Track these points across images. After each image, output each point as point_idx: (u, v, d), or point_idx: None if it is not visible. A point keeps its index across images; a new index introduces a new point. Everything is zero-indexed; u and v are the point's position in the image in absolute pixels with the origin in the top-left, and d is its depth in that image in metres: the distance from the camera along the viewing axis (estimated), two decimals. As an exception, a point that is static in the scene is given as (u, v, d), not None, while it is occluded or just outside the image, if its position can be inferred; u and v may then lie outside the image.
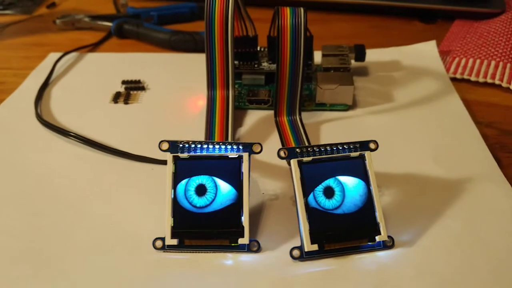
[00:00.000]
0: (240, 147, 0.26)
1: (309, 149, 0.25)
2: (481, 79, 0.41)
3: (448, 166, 0.31)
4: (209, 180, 0.25)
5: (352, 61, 0.41)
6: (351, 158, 0.26)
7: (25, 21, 0.56)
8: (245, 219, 0.25)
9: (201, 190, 0.25)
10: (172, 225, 0.25)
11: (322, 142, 0.34)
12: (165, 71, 0.44)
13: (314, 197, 0.25)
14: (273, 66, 0.39)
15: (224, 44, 0.33)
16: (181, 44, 0.47)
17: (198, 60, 0.42)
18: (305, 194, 0.25)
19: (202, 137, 0.33)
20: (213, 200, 0.25)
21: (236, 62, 0.40)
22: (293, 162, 0.25)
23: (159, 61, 0.46)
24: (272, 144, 0.33)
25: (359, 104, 0.38)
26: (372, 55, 0.43)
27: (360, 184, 0.25)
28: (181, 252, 0.25)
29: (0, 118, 0.37)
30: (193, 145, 0.26)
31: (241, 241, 0.25)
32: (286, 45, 0.33)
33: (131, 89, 0.40)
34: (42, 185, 0.30)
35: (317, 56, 0.41)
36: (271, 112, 0.36)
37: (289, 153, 0.25)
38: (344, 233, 0.25)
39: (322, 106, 0.37)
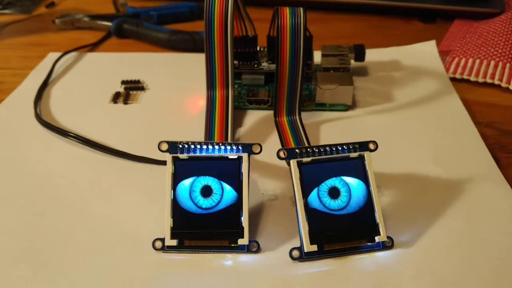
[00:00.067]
0: (240, 147, 0.26)
1: (308, 149, 0.25)
2: (480, 79, 0.41)
3: (447, 166, 0.31)
4: (214, 181, 0.25)
5: (352, 61, 0.41)
6: (351, 159, 0.26)
7: (24, 21, 0.56)
8: (244, 220, 0.25)
9: (206, 191, 0.25)
10: (172, 225, 0.25)
11: (322, 142, 0.34)
12: (164, 71, 0.44)
13: (319, 198, 0.25)
14: (273, 66, 0.39)
15: (224, 44, 0.33)
16: (180, 43, 0.47)
17: (198, 60, 0.42)
18: (305, 195, 0.25)
19: (201, 137, 0.33)
20: (219, 201, 0.25)
21: (235, 62, 0.40)
22: (293, 162, 0.25)
23: (158, 61, 0.46)
24: (271, 145, 0.33)
25: (358, 104, 0.38)
26: (372, 55, 0.43)
27: (360, 185, 0.25)
28: (181, 252, 0.25)
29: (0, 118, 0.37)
30: (192, 146, 0.26)
31: (240, 241, 0.25)
32: (285, 45, 0.33)
33: (131, 89, 0.40)
34: (42, 185, 0.30)
35: (317, 56, 0.41)
36: (271, 112, 0.36)
37: (289, 154, 0.25)
38: (343, 234, 0.25)
39: (322, 106, 0.37)
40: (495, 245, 0.25)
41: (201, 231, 0.25)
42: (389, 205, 0.28)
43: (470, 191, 0.29)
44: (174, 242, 0.24)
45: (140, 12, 0.54)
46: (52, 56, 0.46)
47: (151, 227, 0.26)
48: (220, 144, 0.26)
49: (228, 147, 0.26)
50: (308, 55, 0.40)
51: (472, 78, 0.41)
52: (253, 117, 0.37)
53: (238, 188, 0.25)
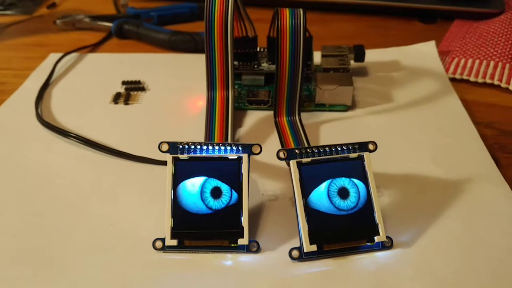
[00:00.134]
0: (240, 148, 0.26)
1: (308, 150, 0.26)
2: (480, 80, 0.41)
3: (447, 166, 0.31)
4: (218, 182, 0.25)
5: (352, 62, 0.41)
6: (350, 159, 0.26)
7: (25, 22, 0.57)
8: (244, 220, 0.25)
9: (216, 192, 0.25)
10: (172, 225, 0.25)
11: (322, 143, 0.34)
12: (165, 72, 0.44)
13: (329, 197, 0.25)
14: (273, 67, 0.39)
15: (224, 45, 0.33)
16: (181, 44, 0.47)
17: (198, 61, 0.43)
18: (304, 195, 0.25)
19: (201, 138, 0.33)
20: (228, 203, 0.25)
21: (235, 62, 0.40)
22: (292, 163, 0.25)
23: (159, 62, 0.46)
24: (271, 145, 0.33)
25: (358, 104, 0.38)
26: (372, 55, 0.43)
27: (360, 185, 0.25)
28: (181, 252, 0.25)
29: (1, 118, 0.37)
30: (192, 146, 0.26)
31: (240, 241, 0.25)
32: (285, 46, 0.33)
33: (131, 89, 0.41)
34: (42, 185, 0.30)
35: (317, 57, 0.41)
36: (271, 113, 0.36)
37: (289, 154, 0.25)
38: (343, 234, 0.25)
39: (322, 107, 0.37)
40: (494, 246, 0.25)
41: (201, 231, 0.25)
42: (389, 205, 0.28)
43: (469, 191, 0.29)
44: (174, 242, 0.25)
45: (141, 13, 0.54)
46: (53, 56, 0.46)
47: (151, 227, 0.26)
48: (220, 144, 0.26)
49: (228, 148, 0.26)
50: (308, 56, 0.40)
51: (472, 79, 0.41)
52: (253, 117, 0.37)
53: (238, 188, 0.25)
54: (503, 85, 0.40)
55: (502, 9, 0.51)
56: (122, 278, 0.24)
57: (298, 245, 0.25)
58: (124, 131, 0.35)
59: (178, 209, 0.25)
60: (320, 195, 0.25)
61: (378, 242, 0.25)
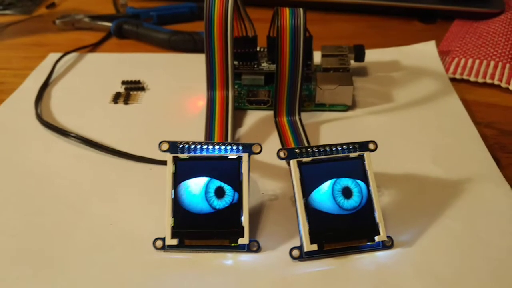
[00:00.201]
0: (240, 147, 0.26)
1: (308, 149, 0.25)
2: (480, 79, 0.41)
3: (447, 166, 0.31)
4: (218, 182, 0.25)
5: (352, 62, 0.41)
6: (351, 159, 0.26)
7: (25, 21, 0.56)
8: (245, 219, 0.25)
9: (220, 192, 0.25)
10: (172, 225, 0.25)
11: (322, 143, 0.34)
12: (164, 71, 0.44)
13: (333, 197, 0.25)
14: (273, 67, 0.39)
15: (224, 45, 0.33)
16: (180, 44, 0.47)
17: (198, 60, 0.43)
18: (305, 194, 0.25)
19: (201, 138, 0.33)
20: (231, 202, 0.25)
21: (235, 62, 0.40)
22: (293, 162, 0.25)
23: (158, 61, 0.46)
24: (271, 145, 0.33)
25: (358, 104, 0.38)
26: (372, 55, 0.43)
27: (360, 184, 0.25)
28: (181, 252, 0.25)
29: (0, 118, 0.37)
30: (192, 146, 0.26)
31: (241, 241, 0.25)
32: (285, 45, 0.33)
33: (131, 89, 0.41)
34: (42, 185, 0.30)
35: (317, 57, 0.41)
36: (271, 113, 0.36)
37: (289, 154, 0.25)
38: (343, 233, 0.25)
39: (322, 107, 0.37)
40: (495, 245, 0.25)
41: (201, 230, 0.25)
42: (389, 205, 0.28)
43: (470, 191, 0.29)
44: (174, 242, 0.25)
45: (140, 12, 0.54)
46: (53, 56, 0.46)
47: (151, 227, 0.26)
48: (220, 144, 0.26)
49: (228, 147, 0.26)
50: (308, 56, 0.40)
51: (472, 78, 0.41)
52: (253, 117, 0.37)
53: (238, 187, 0.25)
54: (503, 85, 0.40)
55: (502, 9, 0.51)
56: (122, 277, 0.24)
57: (298, 244, 0.25)
58: (124, 131, 0.35)
59: (178, 209, 0.25)
60: (323, 195, 0.25)
61: (379, 241, 0.25)
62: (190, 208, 0.25)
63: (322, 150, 0.26)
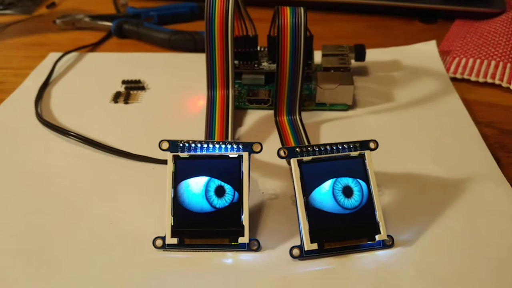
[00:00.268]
0: (240, 146, 0.26)
1: (309, 148, 0.25)
2: (481, 79, 0.41)
3: (447, 165, 0.31)
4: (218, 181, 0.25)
5: (352, 61, 0.41)
6: (351, 158, 0.26)
7: (25, 21, 0.57)
8: (245, 218, 0.25)
9: (220, 191, 0.25)
10: (172, 224, 0.25)
11: (322, 142, 0.33)
12: (165, 71, 0.44)
13: (334, 196, 0.25)
14: (273, 66, 0.39)
15: (224, 44, 0.33)
16: (181, 44, 0.47)
17: (198, 60, 0.43)
18: (305, 193, 0.25)
19: (202, 137, 0.33)
20: (231, 201, 0.25)
21: (236, 62, 0.40)
22: (293, 161, 0.25)
23: (159, 61, 0.46)
24: (272, 144, 0.33)
25: (359, 104, 0.38)
26: (372, 55, 0.43)
27: (361, 183, 0.25)
28: (181, 251, 0.25)
29: (1, 117, 0.37)
30: (193, 145, 0.26)
31: (241, 240, 0.25)
32: (286, 44, 0.33)
33: (131, 88, 0.41)
34: (42, 184, 0.30)
35: (317, 56, 0.41)
36: (271, 112, 0.36)
37: (289, 153, 0.25)
38: (343, 232, 0.25)
39: (322, 106, 0.37)
40: (495, 245, 0.25)
41: (201, 229, 0.25)
42: (390, 204, 0.28)
43: (470, 190, 0.29)
44: (174, 240, 0.25)
45: (141, 12, 0.54)
46: (53, 56, 0.46)
47: (151, 226, 0.26)
48: (221, 143, 0.26)
49: (229, 146, 0.26)
50: (309, 55, 0.40)
51: (473, 78, 0.41)
52: (254, 116, 0.37)
53: (238, 186, 0.25)
54: (504, 84, 0.40)
55: (503, 9, 0.51)
56: (122, 277, 0.24)
57: (298, 243, 0.25)
58: (124, 130, 0.35)
59: (178, 208, 0.25)
60: (323, 194, 0.25)
61: (379, 240, 0.25)
62: (190, 207, 0.25)
63: (322, 149, 0.26)
